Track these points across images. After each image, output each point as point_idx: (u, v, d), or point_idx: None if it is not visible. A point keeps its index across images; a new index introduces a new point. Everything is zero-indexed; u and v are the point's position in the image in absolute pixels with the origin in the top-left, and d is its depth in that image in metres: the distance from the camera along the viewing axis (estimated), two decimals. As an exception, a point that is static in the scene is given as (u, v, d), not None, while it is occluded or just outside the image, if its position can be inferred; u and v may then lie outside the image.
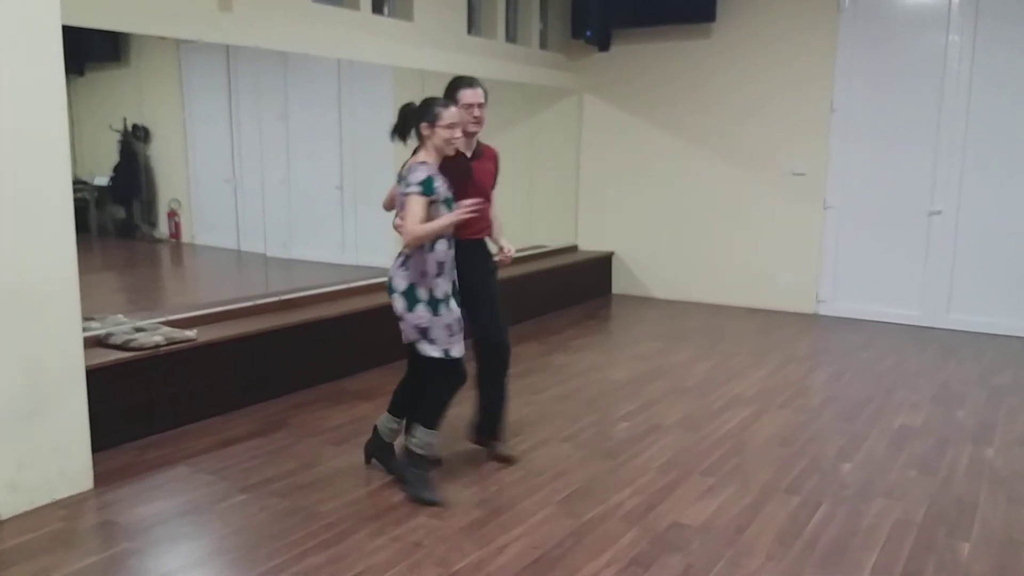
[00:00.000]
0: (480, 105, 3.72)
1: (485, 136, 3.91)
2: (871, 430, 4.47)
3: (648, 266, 8.30)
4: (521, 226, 8.16)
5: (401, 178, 3.52)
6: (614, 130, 8.25)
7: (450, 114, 3.46)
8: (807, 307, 7.52)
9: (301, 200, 7.06)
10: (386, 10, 6.24)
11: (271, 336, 4.86)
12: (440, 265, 3.49)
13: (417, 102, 3.52)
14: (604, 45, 7.90)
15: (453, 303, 3.55)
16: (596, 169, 8.42)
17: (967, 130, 6.70)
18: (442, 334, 3.49)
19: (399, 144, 3.62)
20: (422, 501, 3.49)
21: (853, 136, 7.15)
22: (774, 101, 7.42)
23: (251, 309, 5.14)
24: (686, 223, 8.00)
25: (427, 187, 3.39)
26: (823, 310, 7.47)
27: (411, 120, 3.50)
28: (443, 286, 3.51)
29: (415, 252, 3.46)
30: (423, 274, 3.46)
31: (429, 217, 3.42)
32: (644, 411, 4.76)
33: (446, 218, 3.45)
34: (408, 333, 3.52)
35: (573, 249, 8.56)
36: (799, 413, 4.76)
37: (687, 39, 7.73)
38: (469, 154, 3.80)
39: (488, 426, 4.00)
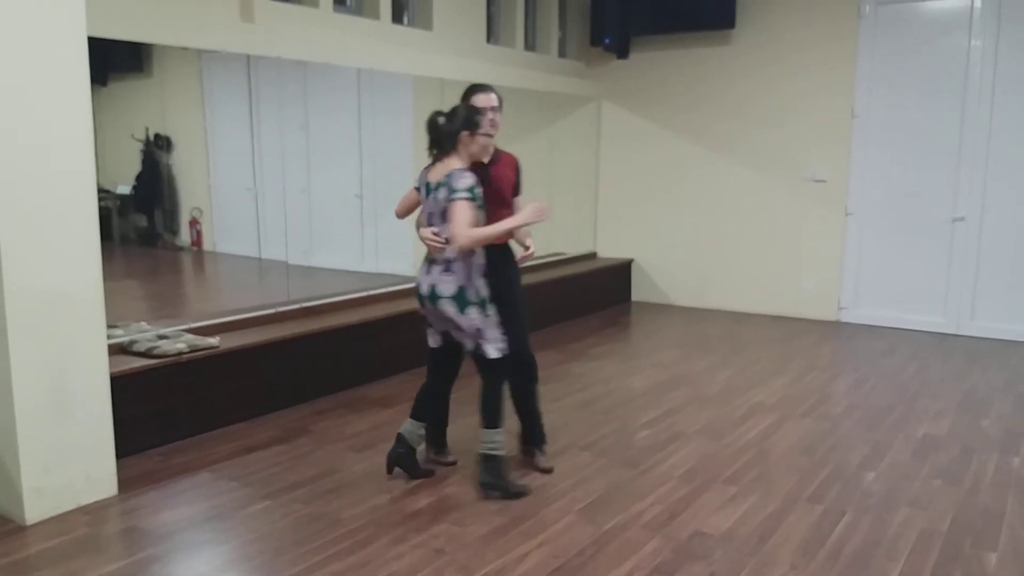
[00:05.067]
0: (494, 109, 3.76)
1: (504, 143, 3.93)
2: (895, 439, 4.43)
3: (668, 273, 8.28)
4: (540, 233, 8.14)
5: (434, 186, 3.54)
6: (633, 137, 8.24)
7: (487, 121, 3.62)
8: (829, 314, 7.47)
9: (321, 208, 7.10)
10: (406, 19, 6.28)
11: (293, 343, 4.88)
12: (481, 267, 3.60)
13: (443, 111, 3.60)
14: (623, 52, 7.90)
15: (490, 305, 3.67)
16: (615, 176, 8.42)
17: (990, 136, 6.65)
18: (495, 332, 3.60)
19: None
20: (515, 494, 3.63)
21: (875, 142, 7.11)
22: (794, 108, 7.39)
23: (273, 316, 5.17)
24: (706, 230, 7.97)
25: (473, 193, 3.47)
26: (845, 317, 7.42)
27: (451, 128, 3.55)
28: (484, 288, 3.62)
29: (461, 257, 3.53)
30: (469, 277, 3.55)
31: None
32: (665, 419, 4.74)
33: (508, 222, 3.57)
34: (467, 338, 3.61)
35: (592, 256, 8.55)
36: (822, 421, 4.73)
37: (706, 46, 7.72)
38: (486, 160, 3.82)
39: (529, 435, 4.06)
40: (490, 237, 3.51)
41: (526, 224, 3.60)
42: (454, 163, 3.55)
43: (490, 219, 3.65)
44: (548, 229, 8.15)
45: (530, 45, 7.54)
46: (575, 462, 4.06)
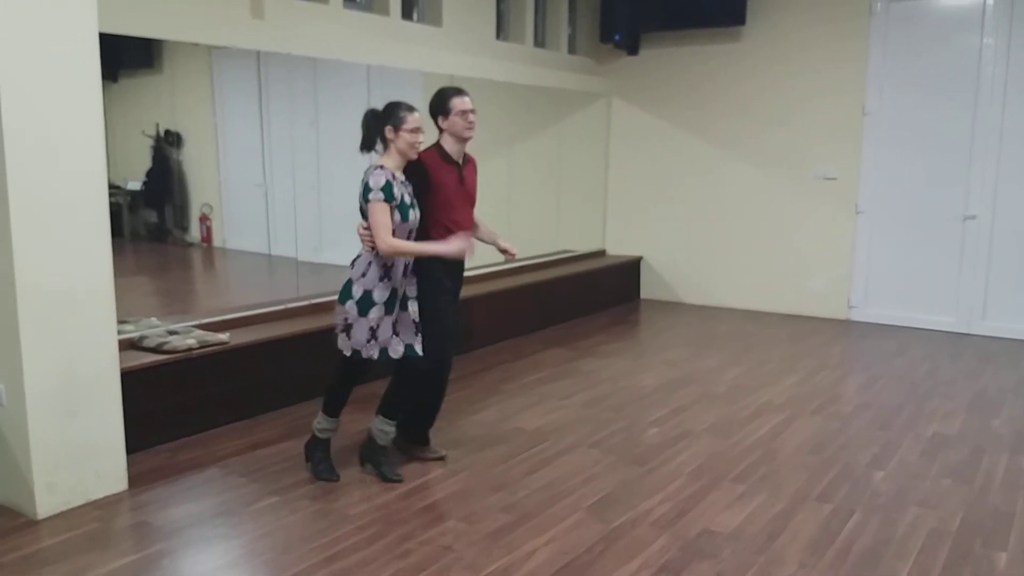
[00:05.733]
0: (473, 111, 3.77)
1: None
2: (904, 438, 4.42)
3: (677, 271, 8.26)
4: (549, 231, 8.16)
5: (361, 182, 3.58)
6: (643, 134, 8.22)
7: (414, 118, 3.55)
8: (839, 313, 7.44)
9: (331, 204, 7.10)
10: (415, 16, 6.28)
11: (302, 340, 4.89)
12: (386, 269, 3.56)
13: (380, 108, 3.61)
14: (633, 49, 7.88)
15: (395, 310, 3.64)
16: (624, 173, 8.40)
17: (1002, 134, 6.61)
18: (361, 335, 3.58)
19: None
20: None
21: (886, 140, 7.07)
22: (805, 105, 7.35)
23: (282, 313, 5.18)
24: (715, 228, 7.95)
25: (388, 192, 3.47)
26: (855, 316, 7.39)
27: (376, 125, 3.56)
28: (383, 291, 3.57)
29: (366, 255, 3.57)
30: (363, 274, 3.56)
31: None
32: (674, 417, 4.73)
33: (432, 247, 3.57)
34: (336, 325, 3.65)
35: (601, 254, 8.54)
36: (831, 420, 4.71)
37: (717, 43, 7.69)
38: (461, 162, 3.85)
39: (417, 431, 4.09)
40: (410, 253, 3.56)
41: (445, 255, 3.58)
42: (382, 160, 3.57)
43: (459, 217, 3.75)
44: (557, 226, 8.17)
45: (540, 41, 7.53)
46: (583, 459, 4.06)
